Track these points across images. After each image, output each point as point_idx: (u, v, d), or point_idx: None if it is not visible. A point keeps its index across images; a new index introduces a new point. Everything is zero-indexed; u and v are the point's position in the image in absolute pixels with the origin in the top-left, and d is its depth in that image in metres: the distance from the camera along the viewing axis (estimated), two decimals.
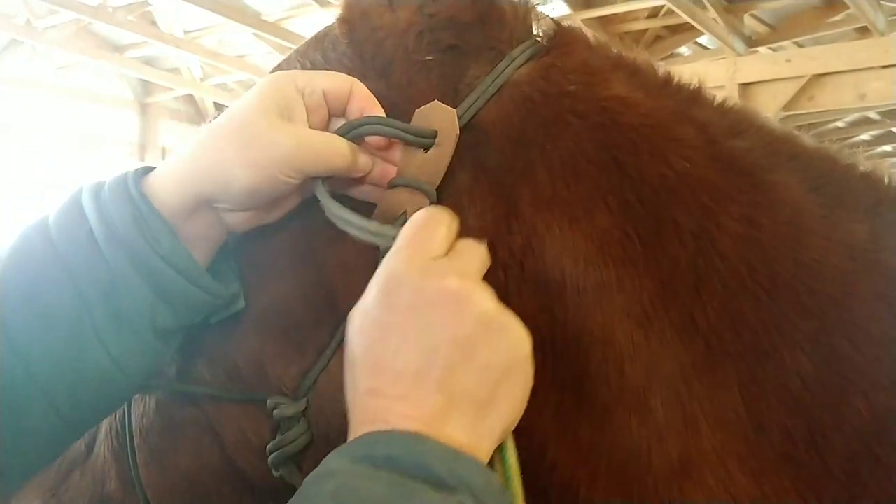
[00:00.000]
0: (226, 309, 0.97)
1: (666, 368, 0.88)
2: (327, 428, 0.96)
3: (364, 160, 0.96)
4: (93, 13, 9.46)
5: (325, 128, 0.97)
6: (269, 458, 0.97)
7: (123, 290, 0.86)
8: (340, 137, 0.94)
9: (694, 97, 1.00)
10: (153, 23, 10.94)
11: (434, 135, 0.93)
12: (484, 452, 0.76)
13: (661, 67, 1.03)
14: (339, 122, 0.97)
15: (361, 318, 0.79)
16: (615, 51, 1.04)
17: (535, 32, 1.02)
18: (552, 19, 1.04)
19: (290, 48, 9.81)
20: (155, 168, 0.94)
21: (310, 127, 0.94)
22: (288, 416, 0.96)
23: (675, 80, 1.01)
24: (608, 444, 0.90)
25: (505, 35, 1.00)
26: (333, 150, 0.92)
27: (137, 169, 0.92)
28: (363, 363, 0.78)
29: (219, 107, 14.45)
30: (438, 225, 0.83)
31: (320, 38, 1.07)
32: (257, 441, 0.99)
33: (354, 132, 0.94)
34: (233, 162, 0.89)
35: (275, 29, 10.02)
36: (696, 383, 0.87)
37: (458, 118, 0.94)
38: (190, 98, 14.76)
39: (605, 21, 9.26)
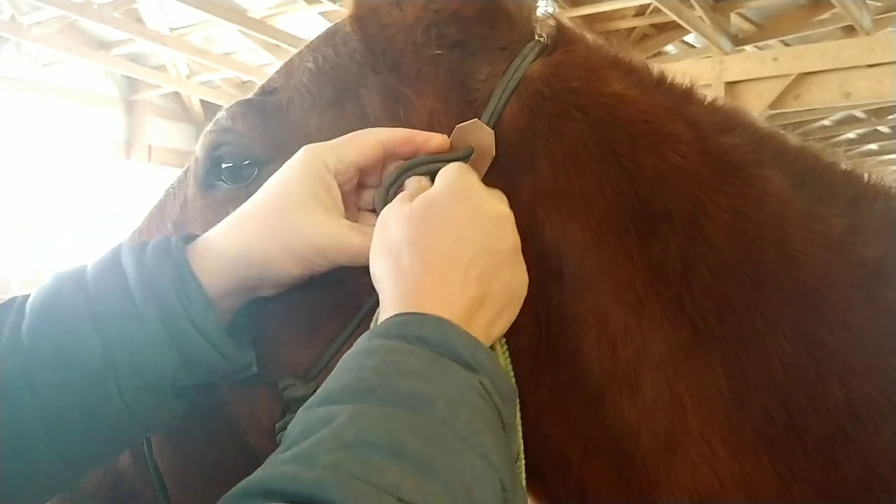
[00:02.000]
0: (239, 375, 1.00)
1: (655, 350, 0.94)
2: None
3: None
4: (78, 10, 9.42)
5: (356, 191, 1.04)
6: (276, 437, 1.00)
7: (151, 349, 0.91)
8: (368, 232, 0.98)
9: (686, 95, 1.05)
10: (139, 19, 10.89)
11: (470, 152, 0.99)
12: (490, 342, 0.88)
13: (655, 67, 1.08)
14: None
15: (426, 207, 0.91)
16: (611, 50, 1.09)
17: (538, 32, 1.07)
18: (554, 18, 1.09)
19: (277, 45, 9.76)
20: (196, 237, 0.99)
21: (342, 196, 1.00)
22: (298, 398, 0.99)
23: (669, 78, 1.07)
24: (600, 420, 0.96)
25: (515, 35, 1.05)
26: (366, 245, 0.96)
27: (181, 237, 0.98)
28: (422, 243, 0.89)
29: (205, 104, 14.44)
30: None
31: (331, 35, 1.11)
32: (267, 421, 1.03)
33: (405, 176, 0.99)
34: (277, 259, 0.96)
35: (261, 26, 10.00)
36: (683, 364, 0.93)
37: (487, 121, 1.00)
38: (176, 95, 14.73)
39: (591, 19, 9.28)
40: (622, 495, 0.96)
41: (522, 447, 0.90)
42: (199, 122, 15.20)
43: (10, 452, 0.86)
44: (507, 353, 0.94)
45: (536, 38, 1.06)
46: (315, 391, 0.98)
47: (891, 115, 12.69)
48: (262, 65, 12.03)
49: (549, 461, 1.00)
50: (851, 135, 13.83)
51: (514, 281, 0.91)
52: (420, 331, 0.80)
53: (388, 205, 0.95)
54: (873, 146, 14.81)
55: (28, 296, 0.94)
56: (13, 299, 0.94)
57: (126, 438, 0.96)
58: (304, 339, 1.02)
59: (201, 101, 14.41)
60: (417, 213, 0.90)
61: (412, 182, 0.98)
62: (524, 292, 0.93)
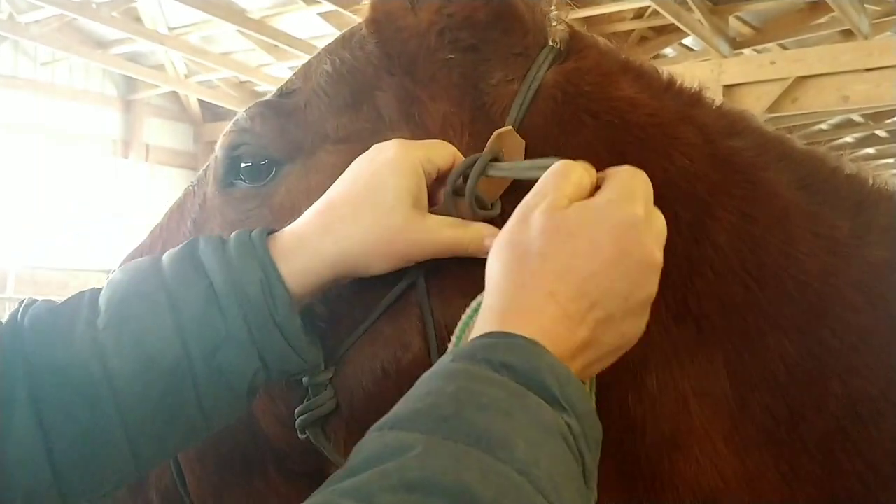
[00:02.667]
0: (309, 373, 1.00)
1: (661, 349, 0.95)
2: (350, 397, 1.02)
3: (479, 240, 0.97)
4: (77, 9, 9.42)
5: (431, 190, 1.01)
6: (296, 421, 1.02)
7: (233, 349, 0.90)
8: (467, 226, 0.97)
9: (695, 99, 1.07)
10: (137, 19, 10.89)
11: (548, 166, 0.95)
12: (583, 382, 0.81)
13: (665, 71, 1.10)
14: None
15: (580, 224, 0.82)
16: (622, 55, 1.11)
17: (551, 37, 1.08)
18: (567, 24, 1.11)
19: (276, 46, 9.75)
20: (276, 231, 0.97)
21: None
22: (317, 383, 1.01)
23: (678, 82, 1.08)
24: (605, 417, 0.96)
25: (529, 40, 1.06)
26: (459, 241, 0.96)
27: (261, 230, 0.95)
28: (559, 264, 0.80)
29: (203, 104, 14.44)
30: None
31: (348, 38, 1.13)
32: (285, 408, 1.05)
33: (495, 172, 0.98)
34: (375, 256, 0.95)
35: (260, 26, 10.01)
36: (687, 364, 0.95)
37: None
38: (174, 95, 14.73)
39: (590, 22, 9.29)
40: (626, 493, 0.97)
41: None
42: (197, 122, 15.22)
43: (84, 449, 0.86)
44: (594, 391, 0.89)
45: (550, 43, 1.07)
46: (332, 377, 1.01)
47: (888, 119, 12.72)
48: (260, 65, 12.04)
49: None
50: (849, 139, 13.86)
51: (630, 332, 0.83)
52: (507, 356, 0.73)
53: (543, 197, 0.85)
54: (871, 150, 14.83)
55: (96, 290, 0.93)
56: (81, 294, 0.93)
57: (194, 439, 0.95)
58: (324, 327, 1.03)
59: (199, 100, 14.41)
60: (567, 225, 0.82)
61: (582, 175, 0.88)
62: (634, 342, 0.85)
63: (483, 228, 0.96)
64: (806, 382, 0.92)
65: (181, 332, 0.88)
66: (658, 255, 0.83)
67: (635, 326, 0.83)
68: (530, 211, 0.84)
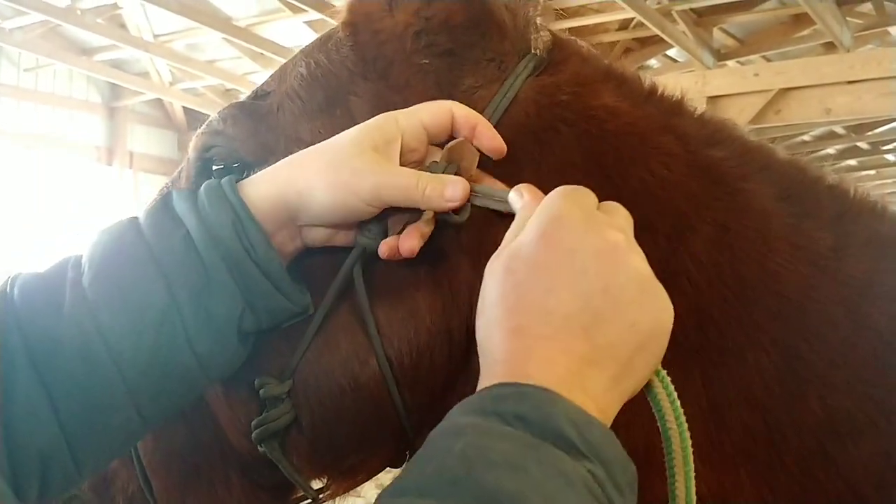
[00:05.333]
0: (298, 317, 1.00)
1: None
2: (310, 413, 1.01)
3: (446, 200, 0.94)
4: (61, 15, 9.36)
5: (424, 160, 0.99)
6: (252, 434, 1.01)
7: (216, 292, 0.90)
8: (427, 175, 0.94)
9: (676, 108, 1.06)
10: (122, 26, 10.84)
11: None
12: (610, 417, 0.75)
13: (647, 79, 1.09)
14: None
15: (510, 258, 0.80)
16: (605, 62, 1.10)
17: (534, 45, 1.06)
18: (550, 31, 1.09)
19: (261, 54, 9.71)
20: (243, 179, 0.97)
21: (408, 162, 0.97)
22: (273, 396, 1.00)
23: (660, 91, 1.07)
24: None
25: (507, 47, 1.04)
26: (412, 188, 0.93)
27: (231, 177, 0.96)
28: (509, 300, 0.77)
29: (188, 112, 14.38)
30: (587, 189, 0.85)
31: (325, 40, 1.12)
32: (245, 420, 1.03)
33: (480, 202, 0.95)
34: (316, 180, 0.93)
35: (245, 34, 9.97)
36: None
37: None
38: (159, 102, 14.65)
39: (575, 32, 9.31)
40: None
41: None
42: (182, 130, 15.14)
43: (90, 408, 0.86)
44: (669, 388, 0.81)
45: (533, 50, 1.05)
46: (290, 389, 0.99)
47: (870, 131, 12.80)
48: (246, 73, 11.99)
49: None
50: (831, 150, 13.93)
51: (644, 319, 0.77)
52: (518, 407, 0.69)
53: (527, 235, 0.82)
54: (853, 162, 14.92)
55: (79, 253, 0.93)
56: (66, 259, 0.94)
57: (194, 389, 0.95)
58: (278, 337, 1.02)
59: (184, 108, 14.33)
60: (501, 265, 0.80)
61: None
62: (665, 326, 0.79)
63: (445, 178, 0.94)
64: (784, 398, 0.90)
65: (166, 281, 0.89)
66: (612, 235, 0.79)
67: (646, 311, 0.78)
68: (483, 279, 0.82)
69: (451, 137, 0.98)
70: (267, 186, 0.95)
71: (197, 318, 0.89)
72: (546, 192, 0.96)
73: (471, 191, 0.94)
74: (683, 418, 0.79)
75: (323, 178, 0.92)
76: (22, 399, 0.83)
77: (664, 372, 0.81)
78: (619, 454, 0.71)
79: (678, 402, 0.80)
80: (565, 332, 0.75)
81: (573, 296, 0.76)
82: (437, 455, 0.68)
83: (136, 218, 0.94)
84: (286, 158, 0.97)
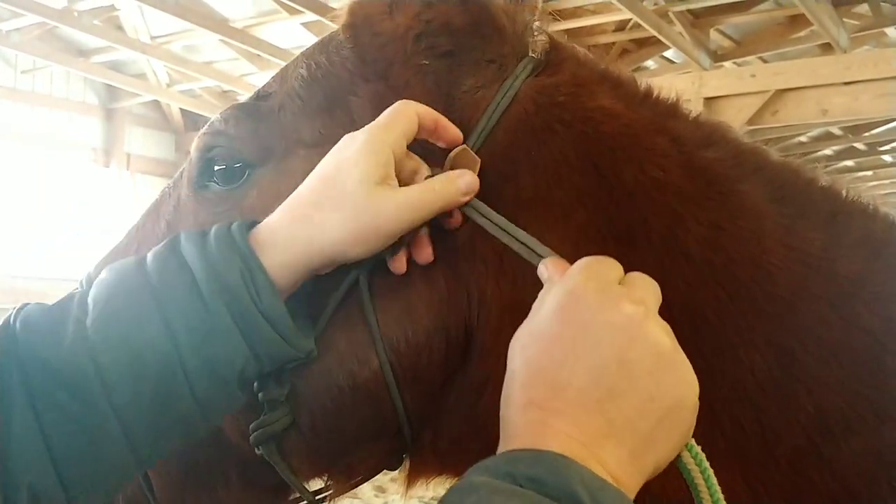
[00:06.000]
0: (302, 360, 0.99)
1: None
2: (309, 415, 1.01)
3: (452, 184, 0.97)
4: (58, 17, 9.37)
5: (419, 168, 1.01)
6: (251, 437, 1.01)
7: (220, 340, 0.90)
8: (432, 180, 0.97)
9: (671, 110, 1.07)
10: (119, 28, 10.85)
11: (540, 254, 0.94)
12: (632, 490, 0.73)
13: (643, 82, 1.10)
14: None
15: (527, 334, 0.80)
16: (602, 65, 1.11)
17: (532, 48, 1.07)
18: (547, 35, 1.10)
19: (258, 55, 9.71)
20: (256, 224, 0.97)
21: (404, 174, 0.98)
22: (272, 399, 1.00)
23: (655, 93, 1.08)
24: None
25: (507, 49, 1.06)
26: (429, 198, 0.95)
27: (241, 223, 0.96)
28: (524, 374, 0.77)
29: (185, 113, 14.39)
30: (612, 261, 0.85)
31: (325, 42, 1.13)
32: (244, 422, 1.03)
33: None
34: (340, 236, 0.93)
35: (242, 35, 9.99)
36: None
37: (475, 143, 1.00)
38: (156, 104, 14.67)
39: (572, 34, 9.33)
40: None
41: None
42: (179, 131, 15.17)
43: (83, 447, 0.86)
44: (704, 465, 0.80)
45: (530, 53, 1.06)
46: (288, 392, 1.00)
47: (867, 132, 12.84)
48: (243, 74, 12.01)
49: None
50: (828, 151, 13.97)
51: (662, 393, 0.76)
52: (531, 469, 0.68)
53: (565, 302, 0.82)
54: (849, 163, 14.96)
55: (86, 290, 0.93)
56: (72, 295, 0.93)
57: (193, 434, 0.94)
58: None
59: (181, 110, 14.36)
60: (517, 342, 0.81)
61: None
62: (687, 400, 0.78)
63: (452, 174, 0.97)
64: (776, 396, 0.91)
65: (168, 326, 0.88)
66: (629, 309, 0.78)
67: (665, 387, 0.76)
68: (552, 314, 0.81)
69: (422, 138, 1.00)
70: (286, 256, 0.94)
71: (199, 364, 0.89)
72: (539, 190, 0.98)
73: (469, 205, 0.97)
74: (720, 495, 0.78)
75: (347, 232, 0.93)
76: (17, 433, 0.83)
77: (697, 448, 0.80)
78: None
79: (714, 479, 0.79)
80: (578, 407, 0.74)
81: (586, 369, 0.75)
82: None
83: (144, 259, 0.94)
84: (292, 208, 0.96)
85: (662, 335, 0.79)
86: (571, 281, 0.82)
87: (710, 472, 0.79)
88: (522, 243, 0.94)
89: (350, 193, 0.94)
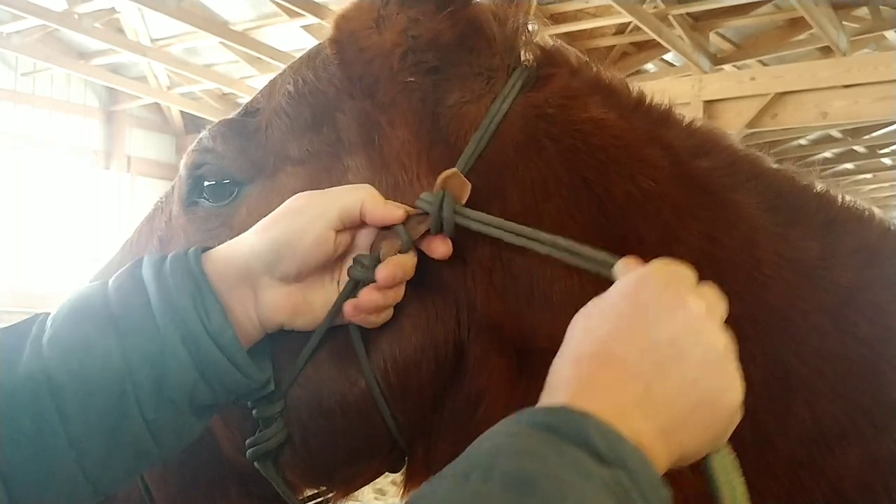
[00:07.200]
0: (258, 393, 1.00)
1: None
2: (302, 431, 1.02)
3: (390, 211, 0.97)
4: (59, 19, 9.37)
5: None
6: (247, 453, 1.02)
7: (169, 362, 0.90)
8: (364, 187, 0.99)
9: (663, 118, 1.06)
10: (120, 30, 10.85)
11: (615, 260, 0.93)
12: (659, 460, 0.72)
13: (636, 88, 1.08)
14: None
15: (593, 306, 0.81)
16: (594, 72, 1.09)
17: (523, 56, 1.07)
18: (539, 44, 1.09)
19: (259, 58, 9.69)
20: (210, 248, 0.98)
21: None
22: (266, 416, 1.01)
23: (648, 100, 1.07)
24: None
25: (496, 62, 1.05)
26: (355, 190, 0.97)
27: (198, 248, 0.97)
28: (580, 336, 0.79)
29: (186, 115, 14.38)
30: (686, 266, 0.84)
31: (312, 57, 1.12)
32: (240, 436, 1.04)
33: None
34: (267, 226, 0.96)
35: (243, 38, 9.99)
36: None
37: (465, 165, 0.99)
38: (156, 106, 14.66)
39: (572, 37, 9.33)
40: None
41: None
42: (179, 134, 15.16)
43: (31, 455, 0.86)
44: (730, 474, 0.80)
45: (523, 62, 1.05)
46: (282, 409, 1.01)
47: (867, 135, 12.83)
48: (243, 77, 12.01)
49: None
50: (828, 154, 13.95)
51: (708, 381, 0.76)
52: (548, 418, 0.70)
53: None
54: (849, 165, 14.94)
55: (48, 312, 0.94)
56: (36, 316, 0.94)
57: (146, 459, 0.94)
58: (270, 359, 1.03)
59: (181, 112, 14.35)
60: (583, 313, 0.82)
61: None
62: (730, 404, 0.78)
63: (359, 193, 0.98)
64: (772, 406, 0.91)
65: (122, 345, 0.89)
66: (691, 299, 0.79)
67: (707, 381, 0.76)
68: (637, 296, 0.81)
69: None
70: (227, 257, 0.97)
71: (149, 384, 0.89)
72: (527, 206, 0.98)
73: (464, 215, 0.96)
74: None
75: (271, 219, 0.96)
76: None
77: (732, 456, 0.80)
78: (649, 471, 0.68)
79: (742, 489, 0.79)
80: (623, 371, 0.74)
81: (638, 342, 0.76)
82: (469, 453, 0.69)
83: (105, 282, 0.95)
84: (252, 229, 0.98)
85: (721, 336, 0.79)
86: (644, 270, 0.83)
87: (739, 481, 0.79)
88: (577, 253, 0.91)
89: (295, 205, 0.97)
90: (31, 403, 0.86)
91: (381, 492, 5.99)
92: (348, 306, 0.97)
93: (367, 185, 1.00)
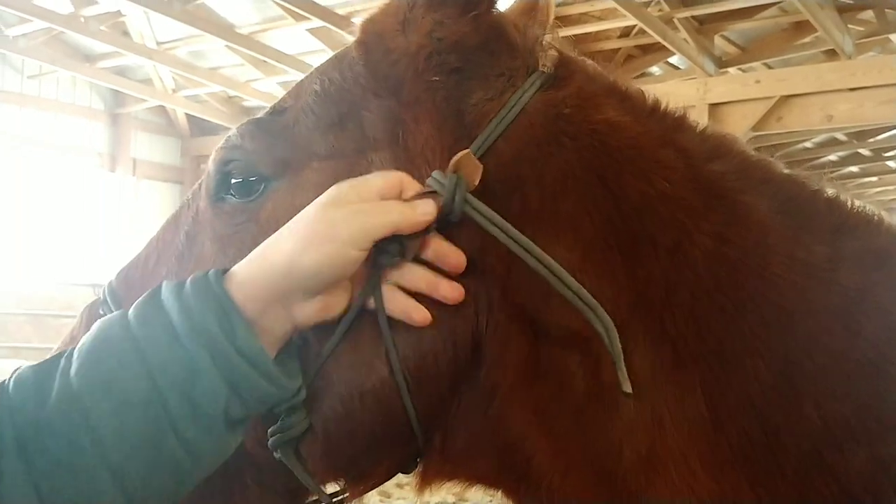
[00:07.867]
0: (290, 401, 1.02)
1: (637, 370, 0.95)
2: (323, 420, 1.03)
3: (421, 214, 0.99)
4: (64, 22, 9.42)
5: None
6: (269, 441, 1.04)
7: (200, 381, 0.92)
8: (390, 201, 0.99)
9: (678, 123, 1.09)
10: (125, 33, 10.90)
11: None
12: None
13: (651, 95, 1.11)
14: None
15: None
16: (610, 78, 1.13)
17: (541, 61, 1.09)
18: (557, 49, 1.12)
19: (264, 61, 9.71)
20: (231, 268, 1.00)
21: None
22: (290, 405, 1.02)
23: (662, 106, 1.10)
24: (584, 436, 0.99)
25: (517, 63, 1.08)
26: (383, 208, 0.98)
27: (217, 270, 0.99)
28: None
29: (191, 118, 14.42)
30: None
31: (340, 58, 1.16)
32: (261, 427, 1.05)
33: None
34: (293, 249, 0.97)
35: (248, 41, 10.02)
36: (664, 385, 0.96)
37: (478, 149, 1.02)
38: (162, 109, 14.70)
39: (577, 40, 9.33)
40: None
41: None
42: (185, 137, 15.20)
43: (72, 492, 0.88)
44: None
45: (540, 67, 1.08)
46: (304, 400, 1.03)
47: (871, 137, 12.84)
48: (248, 80, 12.05)
49: (531, 478, 1.02)
50: (833, 157, 13.95)
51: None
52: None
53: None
54: (854, 168, 14.95)
55: (75, 346, 0.96)
56: (63, 351, 0.96)
57: (187, 479, 0.96)
58: (295, 349, 1.04)
59: (187, 115, 14.39)
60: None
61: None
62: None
63: (414, 202, 0.99)
64: (781, 405, 0.92)
65: (148, 370, 0.91)
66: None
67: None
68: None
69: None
70: (250, 279, 0.98)
71: (181, 406, 0.91)
72: (545, 203, 1.01)
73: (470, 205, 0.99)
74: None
75: (297, 240, 0.97)
76: (9, 486, 0.86)
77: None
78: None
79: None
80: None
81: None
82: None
83: (126, 310, 0.97)
84: (265, 242, 1.01)
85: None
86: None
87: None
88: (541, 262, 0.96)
89: (305, 212, 0.99)
90: (68, 436, 0.88)
91: (386, 494, 6.00)
92: (423, 282, 1.01)
93: (399, 172, 1.02)
